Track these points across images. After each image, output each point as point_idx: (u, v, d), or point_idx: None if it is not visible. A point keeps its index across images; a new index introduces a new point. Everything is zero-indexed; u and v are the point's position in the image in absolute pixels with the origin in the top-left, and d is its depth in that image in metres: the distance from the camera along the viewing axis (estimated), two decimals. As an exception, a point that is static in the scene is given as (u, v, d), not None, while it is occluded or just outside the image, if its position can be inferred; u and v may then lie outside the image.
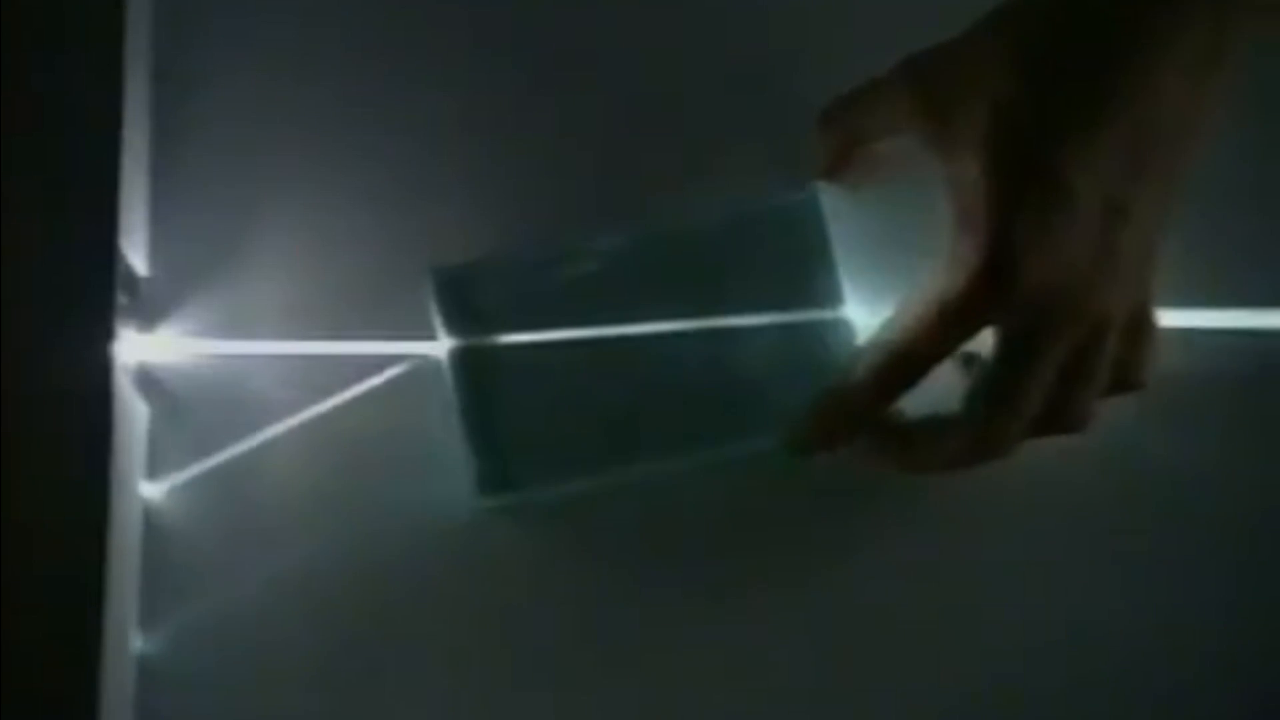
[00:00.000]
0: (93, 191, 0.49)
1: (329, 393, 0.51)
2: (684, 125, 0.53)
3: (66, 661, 0.47)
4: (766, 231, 0.50)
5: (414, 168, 0.53)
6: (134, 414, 0.50)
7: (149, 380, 0.51)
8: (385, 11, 0.54)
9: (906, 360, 0.46)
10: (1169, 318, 0.48)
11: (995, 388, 0.45)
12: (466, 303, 0.50)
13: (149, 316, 0.51)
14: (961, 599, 0.50)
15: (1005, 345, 0.45)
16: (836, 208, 0.50)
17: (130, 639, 0.49)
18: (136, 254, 0.51)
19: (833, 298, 0.50)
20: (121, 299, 0.49)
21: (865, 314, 0.50)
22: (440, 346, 0.50)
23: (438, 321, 0.50)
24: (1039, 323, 0.44)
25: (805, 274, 0.50)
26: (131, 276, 0.51)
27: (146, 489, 0.50)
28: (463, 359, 0.50)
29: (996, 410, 0.45)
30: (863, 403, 0.47)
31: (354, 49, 0.54)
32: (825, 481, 0.50)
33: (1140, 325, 0.46)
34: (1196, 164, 0.45)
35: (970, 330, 0.45)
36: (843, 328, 0.50)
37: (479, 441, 0.49)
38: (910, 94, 0.47)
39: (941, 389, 0.47)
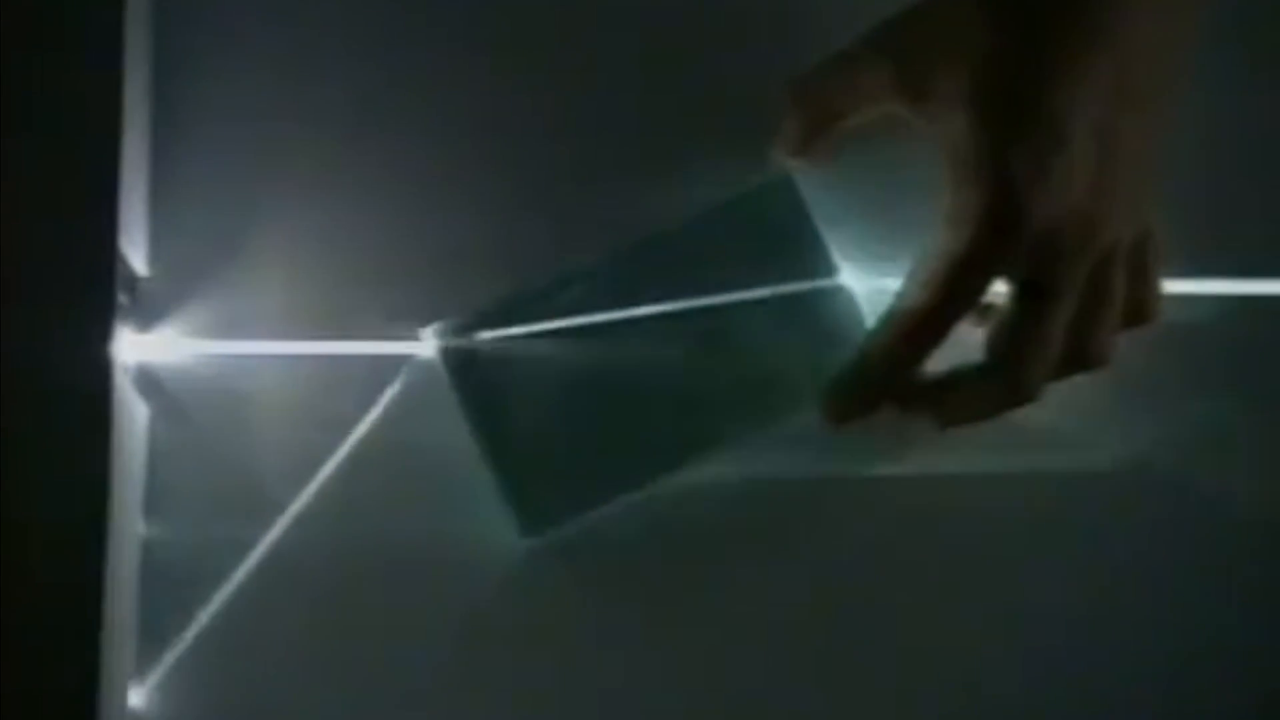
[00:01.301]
0: (93, 191, 0.49)
1: (328, 393, 0.51)
2: (687, 123, 0.53)
3: (66, 661, 0.47)
4: (747, 218, 0.50)
5: (415, 166, 0.53)
6: (133, 414, 0.50)
7: (148, 380, 0.51)
8: (386, 9, 0.54)
9: (928, 320, 0.46)
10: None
11: (1018, 334, 0.46)
12: (474, 363, 0.50)
13: (148, 316, 0.51)
14: (965, 596, 0.51)
15: (1021, 290, 0.45)
16: (811, 182, 0.51)
17: (130, 639, 0.50)
18: (136, 254, 0.51)
19: (825, 271, 0.50)
20: (121, 299, 0.49)
21: (862, 281, 0.50)
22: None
23: (457, 399, 0.50)
24: (1051, 263, 0.45)
25: (794, 253, 0.50)
26: (131, 276, 0.51)
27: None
28: (479, 411, 0.50)
29: (1022, 355, 0.46)
30: (890, 368, 0.47)
31: (355, 48, 0.54)
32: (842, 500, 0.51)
33: (1145, 256, 0.47)
34: (1180, 85, 0.45)
35: (985, 281, 0.46)
36: (843, 297, 0.50)
37: (511, 486, 0.49)
38: (885, 65, 0.47)
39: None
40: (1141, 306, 0.47)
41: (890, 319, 0.47)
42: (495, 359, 0.50)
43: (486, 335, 0.50)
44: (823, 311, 0.50)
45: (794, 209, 0.50)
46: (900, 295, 0.47)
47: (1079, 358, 0.46)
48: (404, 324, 0.51)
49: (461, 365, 0.50)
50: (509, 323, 0.50)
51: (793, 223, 0.50)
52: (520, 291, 0.50)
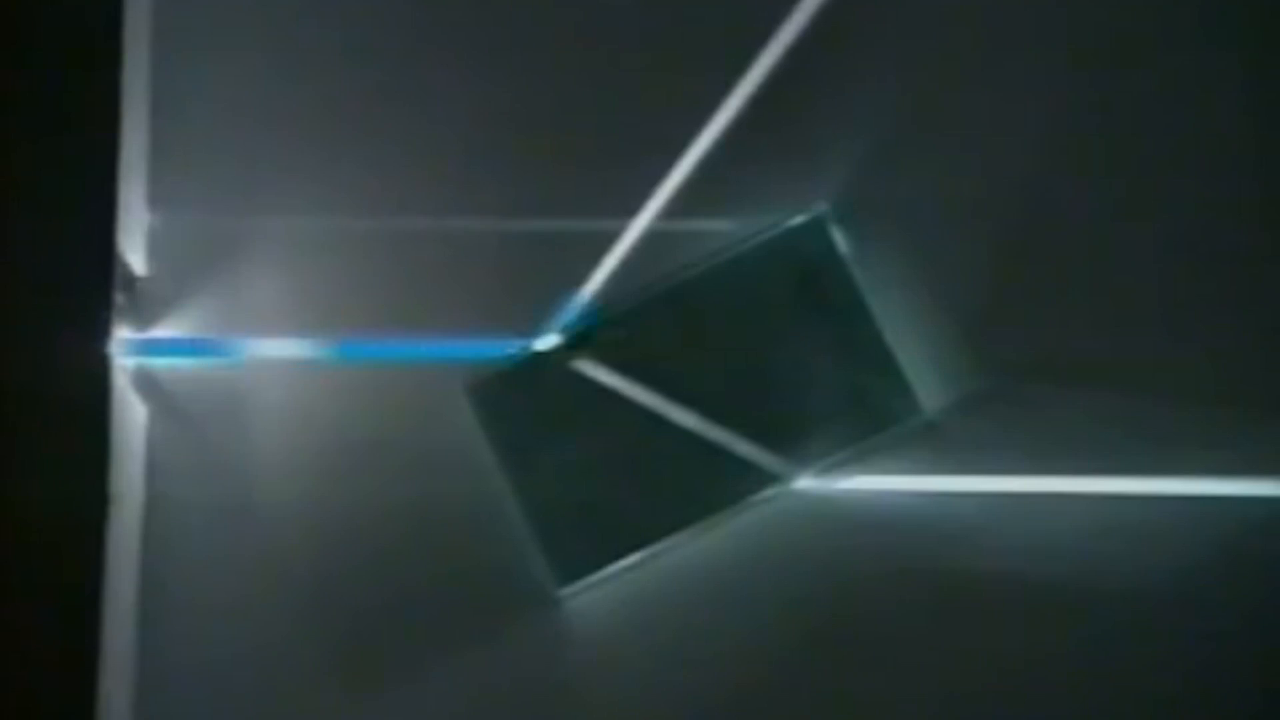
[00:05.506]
0: (92, 191, 0.49)
1: (327, 393, 0.51)
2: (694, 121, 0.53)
3: (65, 662, 0.47)
4: (781, 258, 0.50)
5: (414, 167, 0.53)
6: (132, 413, 0.50)
7: (147, 380, 0.51)
8: (385, 10, 0.54)
9: None
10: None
11: None
12: (503, 405, 0.50)
13: (147, 316, 0.52)
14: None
15: None
16: (848, 222, 0.50)
17: (130, 637, 0.50)
18: (135, 254, 0.51)
19: (857, 311, 0.50)
20: (119, 299, 0.49)
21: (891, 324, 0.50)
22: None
23: (484, 437, 0.50)
24: None
25: (827, 293, 0.50)
26: (129, 276, 0.51)
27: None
28: (508, 458, 0.50)
29: None
30: None
31: (354, 50, 0.54)
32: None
33: None
34: None
35: None
36: (874, 336, 0.50)
37: (548, 541, 0.49)
38: None
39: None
40: None
41: None
42: (524, 407, 0.50)
43: (518, 380, 0.50)
44: (855, 351, 0.50)
45: (827, 248, 0.50)
46: None
47: None
48: (401, 324, 0.51)
49: (490, 411, 0.50)
50: (541, 368, 0.50)
51: (826, 262, 0.50)
52: (552, 336, 0.50)
